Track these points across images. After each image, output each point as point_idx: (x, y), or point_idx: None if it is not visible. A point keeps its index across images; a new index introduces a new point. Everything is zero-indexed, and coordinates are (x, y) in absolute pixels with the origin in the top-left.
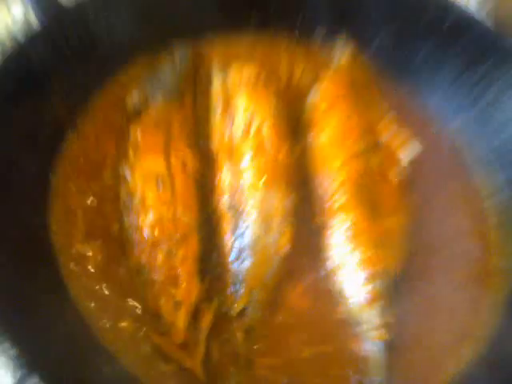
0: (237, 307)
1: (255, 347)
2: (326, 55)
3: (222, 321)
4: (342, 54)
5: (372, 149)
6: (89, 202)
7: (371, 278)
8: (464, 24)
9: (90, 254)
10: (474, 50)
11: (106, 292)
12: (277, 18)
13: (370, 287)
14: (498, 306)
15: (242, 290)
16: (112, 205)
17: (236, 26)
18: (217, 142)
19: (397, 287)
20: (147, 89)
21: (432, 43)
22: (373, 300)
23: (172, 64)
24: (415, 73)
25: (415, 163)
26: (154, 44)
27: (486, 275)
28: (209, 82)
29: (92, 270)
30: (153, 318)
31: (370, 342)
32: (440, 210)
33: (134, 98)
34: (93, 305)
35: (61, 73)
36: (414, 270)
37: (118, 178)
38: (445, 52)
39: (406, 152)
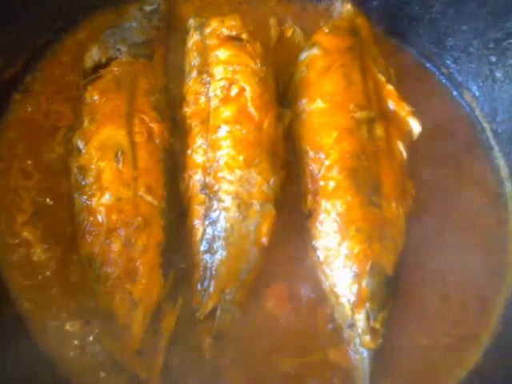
0: (205, 308)
1: (225, 355)
2: (322, 12)
3: (186, 324)
4: (341, 8)
5: (376, 117)
6: (33, 180)
7: (360, 276)
8: None
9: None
10: None
11: (51, 288)
12: None
13: (357, 287)
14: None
15: (213, 288)
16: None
17: None
18: (190, 107)
19: (388, 287)
20: (110, 42)
21: None
22: (360, 302)
23: (141, 13)
24: (426, 33)
25: (426, 136)
26: None
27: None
28: (184, 35)
29: (34, 260)
30: (105, 319)
31: (355, 351)
32: (452, 191)
33: (93, 54)
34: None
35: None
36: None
37: (70, 150)
38: (464, 4)
39: (416, 123)
